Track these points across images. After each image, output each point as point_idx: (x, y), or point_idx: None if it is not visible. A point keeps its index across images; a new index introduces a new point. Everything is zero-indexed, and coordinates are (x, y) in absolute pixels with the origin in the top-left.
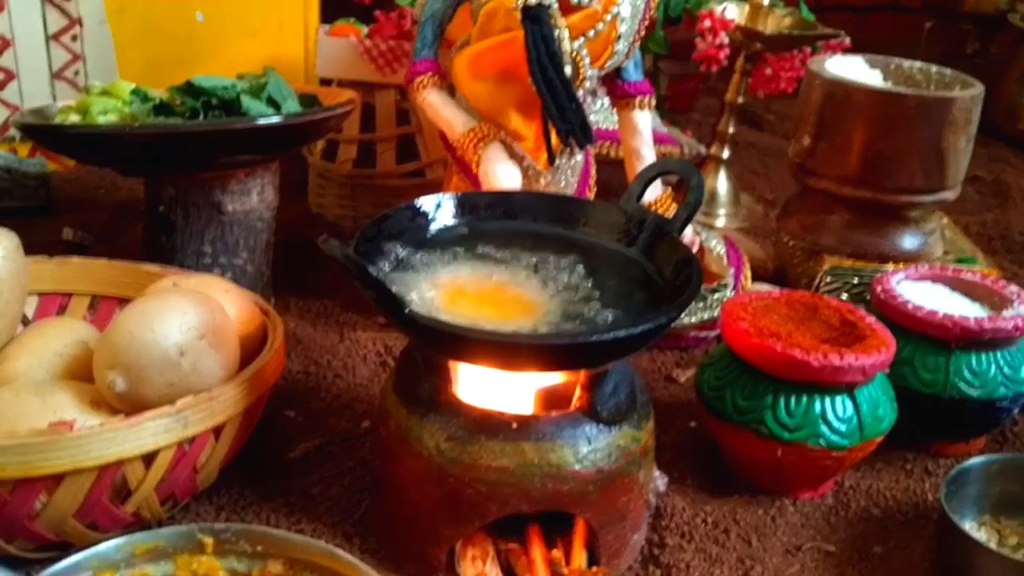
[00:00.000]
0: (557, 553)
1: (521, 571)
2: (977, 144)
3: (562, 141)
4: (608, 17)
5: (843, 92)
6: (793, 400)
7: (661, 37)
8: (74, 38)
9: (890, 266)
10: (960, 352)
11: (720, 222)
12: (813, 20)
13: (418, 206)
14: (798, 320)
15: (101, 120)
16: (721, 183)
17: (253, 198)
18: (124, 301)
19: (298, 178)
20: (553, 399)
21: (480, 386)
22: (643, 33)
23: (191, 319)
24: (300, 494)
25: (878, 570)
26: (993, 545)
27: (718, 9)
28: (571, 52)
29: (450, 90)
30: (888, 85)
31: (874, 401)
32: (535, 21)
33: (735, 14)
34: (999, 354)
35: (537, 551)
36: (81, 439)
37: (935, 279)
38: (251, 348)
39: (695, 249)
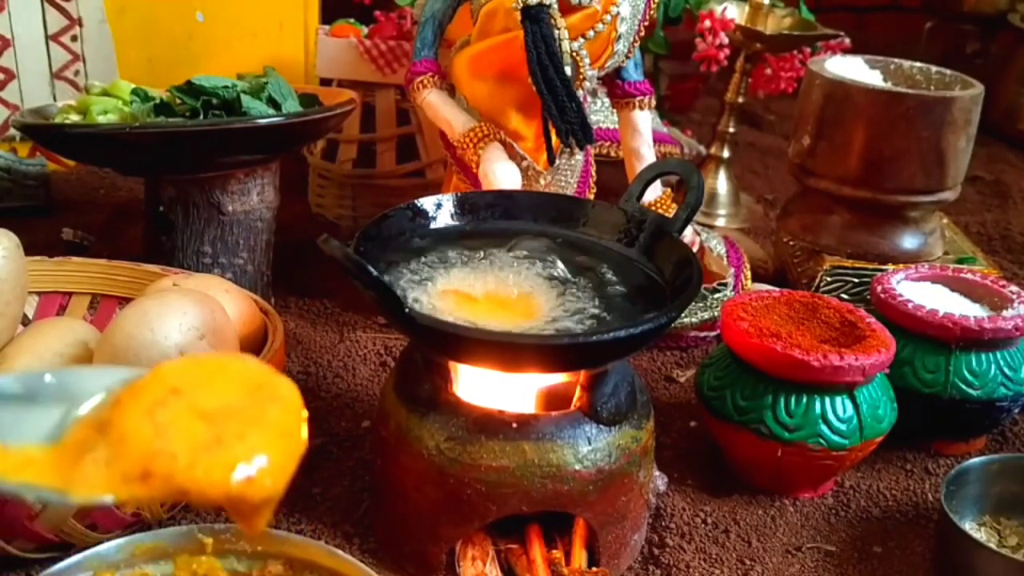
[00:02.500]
0: (557, 553)
1: (521, 571)
2: (977, 144)
3: (562, 141)
4: (608, 17)
5: (843, 92)
6: (793, 400)
7: (661, 37)
8: (74, 38)
9: (890, 266)
10: (960, 352)
11: (720, 222)
12: (813, 20)
13: (418, 206)
14: (798, 320)
15: (101, 120)
16: (721, 183)
17: (253, 198)
18: (124, 301)
19: (298, 178)
20: (553, 399)
21: (480, 386)
22: (643, 33)
23: (191, 319)
24: (300, 494)
25: (878, 570)
26: (993, 545)
27: (718, 9)
28: (571, 52)
29: (450, 90)
30: (888, 85)
31: (874, 401)
32: (535, 21)
33: (735, 14)
34: (999, 354)
35: (537, 551)
36: None
37: (935, 279)
38: (251, 348)
39: (695, 249)
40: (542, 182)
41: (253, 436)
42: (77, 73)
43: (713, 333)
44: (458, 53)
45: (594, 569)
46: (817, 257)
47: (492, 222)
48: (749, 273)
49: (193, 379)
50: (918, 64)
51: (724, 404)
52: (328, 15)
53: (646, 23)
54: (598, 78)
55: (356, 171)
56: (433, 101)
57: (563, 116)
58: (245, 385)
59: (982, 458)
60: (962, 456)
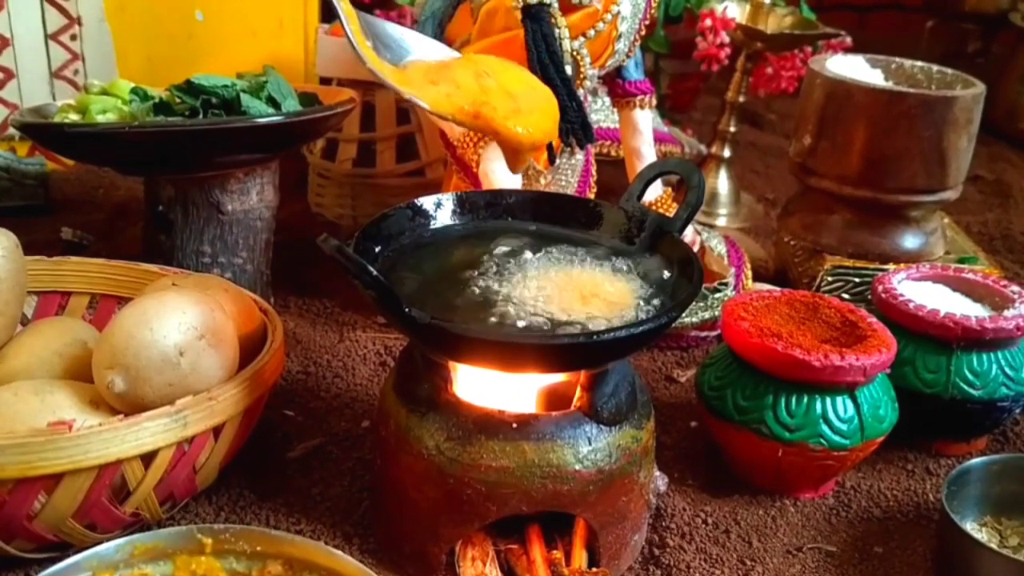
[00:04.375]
0: (557, 553)
1: (521, 571)
2: (978, 143)
3: (562, 140)
4: (608, 16)
5: (844, 91)
6: (794, 400)
7: (662, 36)
8: (73, 37)
9: (891, 266)
10: (961, 352)
11: (721, 221)
12: (814, 19)
13: (418, 205)
14: (799, 320)
15: (100, 119)
16: (722, 182)
17: (253, 197)
18: (123, 300)
19: (298, 177)
20: (553, 399)
21: (480, 386)
22: (644, 32)
23: (190, 319)
24: (299, 494)
25: (879, 570)
26: (994, 546)
27: (719, 8)
28: (571, 51)
29: None
30: (889, 84)
31: (875, 401)
32: (535, 20)
33: (736, 13)
34: (1000, 354)
35: (537, 551)
36: (80, 439)
37: (936, 279)
38: (250, 348)
39: (696, 249)
40: (542, 181)
41: (534, 115)
42: (76, 72)
43: (714, 333)
44: None
45: (594, 569)
46: (818, 256)
47: (492, 222)
48: (750, 272)
49: (494, 69)
50: (919, 63)
51: (725, 404)
52: (328, 14)
53: (647, 22)
54: (599, 77)
55: (356, 170)
56: None
57: (564, 115)
58: (524, 83)
59: (983, 458)
60: (963, 456)
